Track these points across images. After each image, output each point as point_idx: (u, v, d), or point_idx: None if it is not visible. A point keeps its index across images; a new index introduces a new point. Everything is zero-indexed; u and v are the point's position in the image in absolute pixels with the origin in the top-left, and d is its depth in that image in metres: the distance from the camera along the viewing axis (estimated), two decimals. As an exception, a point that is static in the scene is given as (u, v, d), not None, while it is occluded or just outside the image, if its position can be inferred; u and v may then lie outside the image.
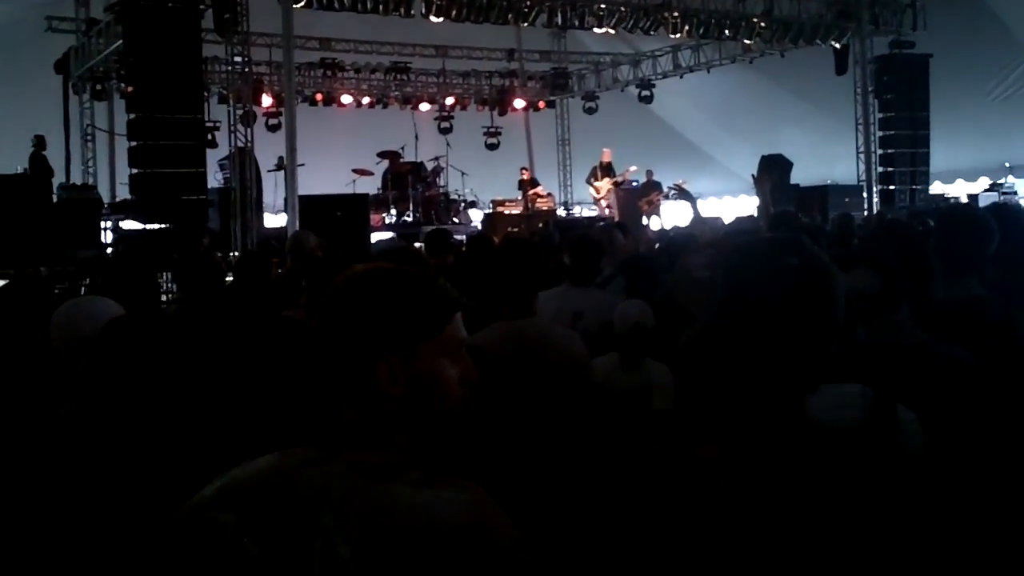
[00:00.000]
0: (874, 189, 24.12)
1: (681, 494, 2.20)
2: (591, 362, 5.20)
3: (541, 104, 32.79)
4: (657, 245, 10.09)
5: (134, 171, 16.46)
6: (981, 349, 3.90)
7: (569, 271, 6.58)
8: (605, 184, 26.94)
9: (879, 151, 24.32)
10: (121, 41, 17.79)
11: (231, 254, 17.47)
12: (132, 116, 16.50)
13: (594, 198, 27.79)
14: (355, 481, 2.05)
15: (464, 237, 21.73)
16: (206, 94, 19.55)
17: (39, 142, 20.07)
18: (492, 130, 31.89)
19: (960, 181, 28.77)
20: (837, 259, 6.15)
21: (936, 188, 26.67)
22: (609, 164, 27.54)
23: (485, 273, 5.06)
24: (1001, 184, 25.04)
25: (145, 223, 16.43)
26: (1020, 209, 7.62)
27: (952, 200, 24.44)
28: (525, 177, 27.30)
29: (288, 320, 5.53)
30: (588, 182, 27.78)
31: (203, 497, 2.15)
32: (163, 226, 16.13)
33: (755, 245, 2.33)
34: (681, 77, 28.93)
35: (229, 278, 7.28)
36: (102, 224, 18.27)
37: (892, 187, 24.21)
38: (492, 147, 31.52)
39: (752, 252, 2.28)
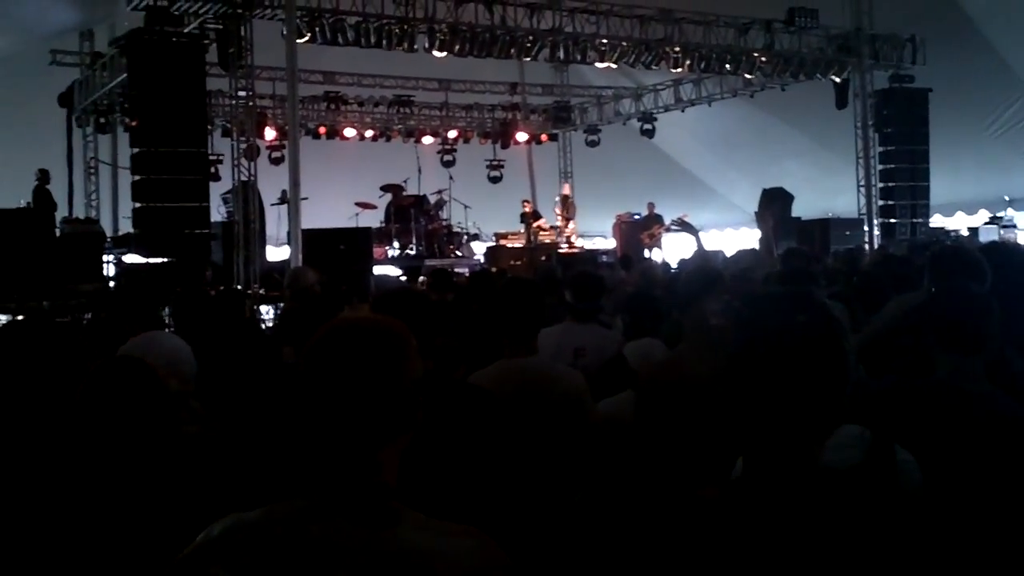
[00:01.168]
0: (875, 222, 24.09)
1: (683, 534, 2.20)
2: (592, 401, 5.19)
3: (543, 137, 32.84)
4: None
5: (137, 205, 16.47)
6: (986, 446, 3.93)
7: (571, 308, 6.59)
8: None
9: (879, 184, 24.31)
10: (125, 75, 17.90)
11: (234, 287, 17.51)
12: (136, 150, 16.53)
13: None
14: (361, 532, 2.08)
15: (467, 270, 21.84)
16: (209, 127, 19.60)
17: (43, 176, 20.14)
18: (495, 163, 31.90)
19: (960, 214, 28.80)
20: (840, 295, 6.18)
21: (936, 221, 26.73)
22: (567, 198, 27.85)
23: (487, 311, 5.08)
24: (1000, 217, 25.11)
25: (148, 257, 16.43)
26: (1012, 247, 7.67)
27: (953, 233, 24.49)
28: (527, 210, 27.33)
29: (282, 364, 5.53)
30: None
31: (197, 551, 2.14)
32: (166, 260, 16.14)
33: (767, 300, 2.37)
34: (683, 110, 28.95)
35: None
36: (105, 258, 18.28)
37: (893, 220, 24.17)
38: (495, 180, 31.54)
39: (764, 307, 2.32)
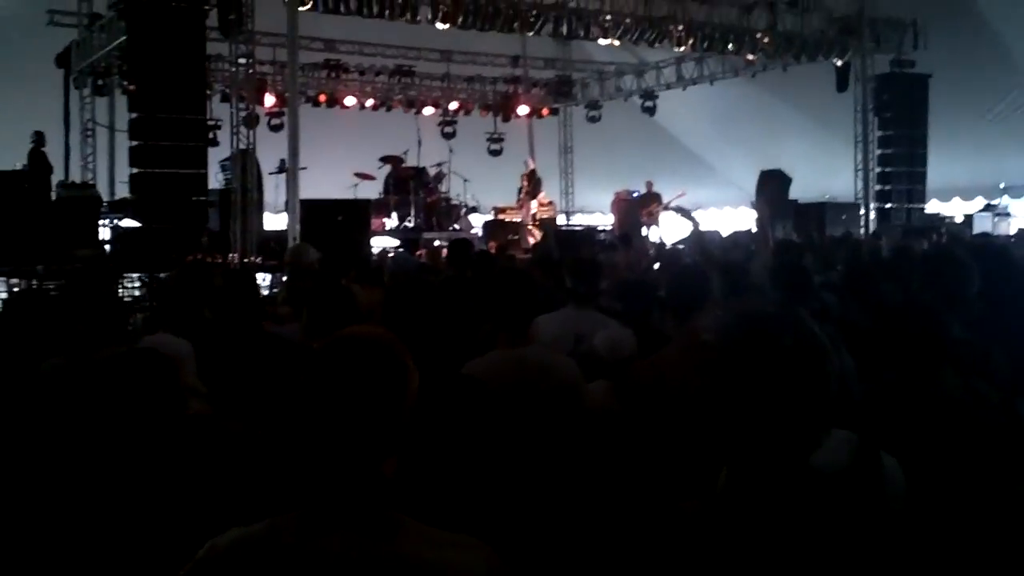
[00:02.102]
0: (871, 206, 24.12)
1: (666, 542, 2.21)
2: (587, 388, 5.20)
3: (545, 111, 32.74)
4: (657, 264, 10.08)
5: (135, 170, 16.42)
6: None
7: (571, 293, 6.57)
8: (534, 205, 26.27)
9: (877, 168, 24.38)
10: (124, 37, 17.77)
11: (230, 256, 17.49)
12: (134, 115, 16.46)
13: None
14: (363, 544, 2.11)
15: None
16: (208, 93, 19.52)
17: (38, 138, 20.00)
18: (495, 136, 31.84)
19: (957, 199, 28.95)
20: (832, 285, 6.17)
21: (933, 206, 26.81)
22: (533, 173, 27.25)
23: (483, 301, 5.07)
24: (995, 205, 25.23)
25: (145, 223, 16.41)
26: (1000, 249, 7.69)
27: (948, 220, 24.55)
28: (530, 167, 27.15)
29: (276, 340, 5.50)
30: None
31: (201, 565, 2.17)
32: (163, 226, 16.11)
33: (753, 320, 2.35)
34: (684, 88, 28.95)
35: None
36: (101, 222, 18.24)
37: (889, 205, 24.26)
38: (495, 153, 31.47)
39: (751, 328, 2.32)
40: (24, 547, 2.98)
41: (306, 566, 2.09)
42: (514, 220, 25.44)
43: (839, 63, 24.33)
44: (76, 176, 22.05)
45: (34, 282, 14.12)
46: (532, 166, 27.22)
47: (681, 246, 11.12)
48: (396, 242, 21.72)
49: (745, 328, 2.34)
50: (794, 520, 2.15)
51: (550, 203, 27.31)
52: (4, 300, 8.44)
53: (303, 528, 2.14)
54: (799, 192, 24.83)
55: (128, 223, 17.40)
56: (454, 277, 8.31)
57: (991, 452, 3.72)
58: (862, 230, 22.43)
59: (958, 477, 3.61)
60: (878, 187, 24.38)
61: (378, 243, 20.60)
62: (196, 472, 3.31)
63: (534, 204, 25.69)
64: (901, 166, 24.21)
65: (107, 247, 18.01)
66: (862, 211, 24.00)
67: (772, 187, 24.13)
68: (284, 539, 2.14)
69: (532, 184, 26.45)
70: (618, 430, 4.80)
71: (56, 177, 19.72)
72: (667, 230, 25.02)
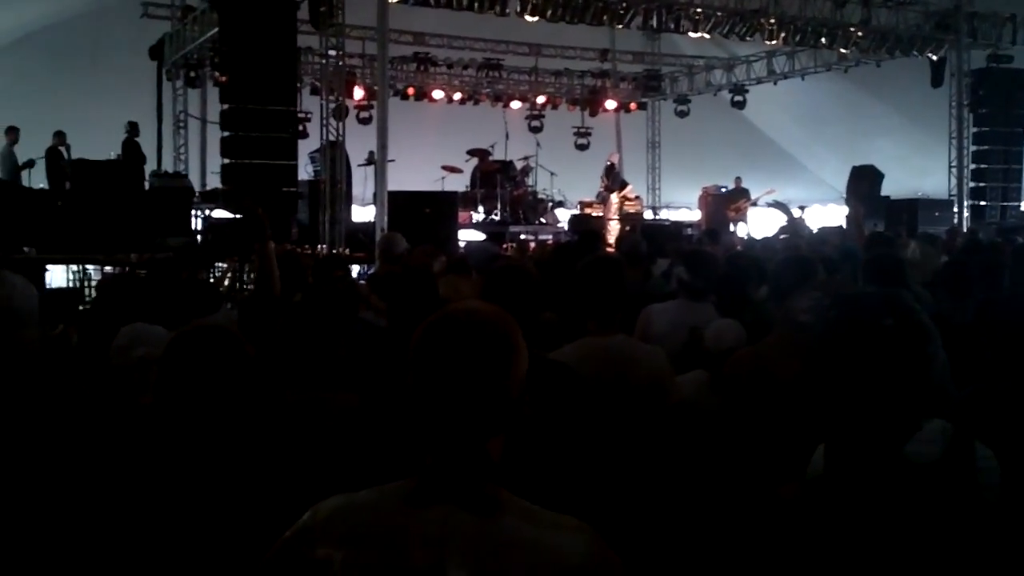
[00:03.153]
0: (965, 204, 23.68)
1: (762, 530, 2.25)
2: (676, 380, 5.18)
3: (632, 105, 32.57)
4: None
5: (226, 161, 16.63)
6: None
7: (685, 285, 6.51)
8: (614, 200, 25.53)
9: (971, 166, 23.92)
10: (216, 29, 18.01)
11: (319, 246, 17.63)
12: (225, 106, 16.66)
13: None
14: (469, 519, 2.10)
15: (551, 237, 21.79)
16: (299, 85, 19.69)
17: (132, 128, 20.36)
18: (582, 130, 31.65)
19: (1052, 199, 28.33)
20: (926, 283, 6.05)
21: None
22: (611, 167, 26.56)
23: (572, 289, 5.06)
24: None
25: (235, 213, 16.60)
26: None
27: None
28: (613, 161, 26.92)
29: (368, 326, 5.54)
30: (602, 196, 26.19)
31: (304, 530, 2.20)
32: (240, 218, 16.26)
33: (854, 301, 2.35)
34: (775, 83, 28.69)
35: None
36: (193, 212, 18.50)
37: (983, 203, 23.81)
38: (582, 147, 31.33)
39: (852, 308, 2.30)
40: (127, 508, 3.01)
41: (406, 536, 2.10)
42: (600, 215, 25.27)
43: (934, 58, 23.89)
44: (168, 167, 22.41)
45: (127, 268, 14.33)
46: (612, 160, 26.96)
47: (772, 241, 10.97)
48: (482, 235, 21.74)
49: (845, 308, 2.33)
50: (888, 508, 2.14)
51: (637, 198, 27.11)
52: (98, 284, 8.57)
53: (407, 499, 2.15)
54: (890, 190, 24.53)
55: (219, 213, 17.61)
56: (553, 264, 8.32)
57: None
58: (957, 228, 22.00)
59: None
60: (972, 185, 23.91)
61: (465, 236, 20.62)
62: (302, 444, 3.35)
63: (614, 198, 25.47)
64: (996, 163, 23.76)
65: (198, 237, 18.25)
66: (955, 208, 23.51)
67: (863, 183, 23.88)
68: (386, 508, 2.15)
69: (611, 179, 26.23)
70: (711, 421, 4.76)
71: (149, 167, 20.04)
72: (755, 227, 24.80)
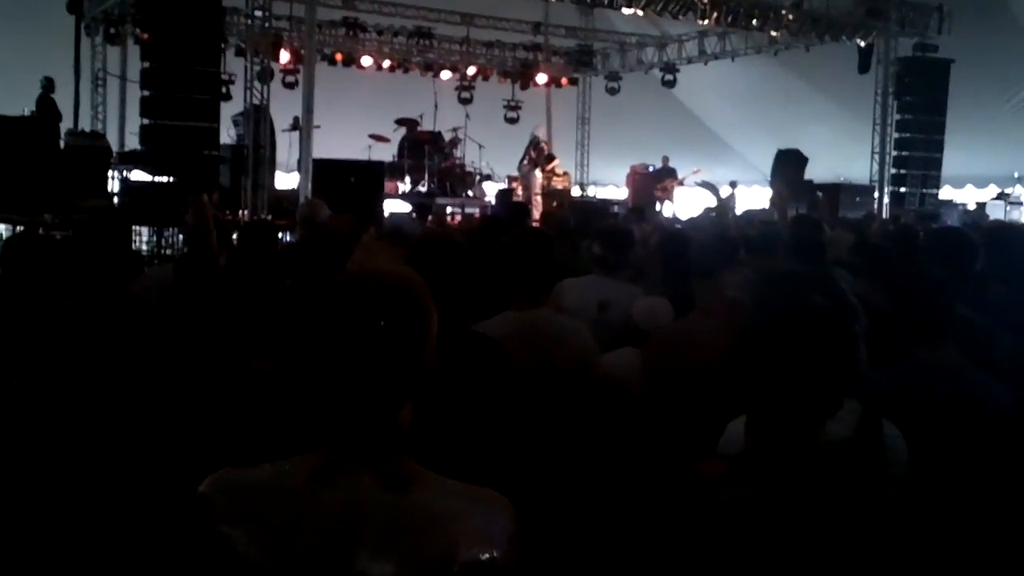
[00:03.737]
0: (885, 190, 24.01)
1: (684, 508, 2.21)
2: (600, 356, 5.21)
3: (564, 81, 32.53)
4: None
5: (146, 121, 16.28)
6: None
7: (599, 260, 6.51)
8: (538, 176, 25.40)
9: (894, 152, 24.24)
10: (139, -16, 17.65)
11: (240, 212, 17.37)
12: (146, 64, 16.31)
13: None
14: (379, 491, 2.03)
15: (477, 211, 21.71)
16: (223, 46, 19.35)
17: (48, 84, 19.84)
18: (512, 103, 31.64)
19: (970, 187, 29.12)
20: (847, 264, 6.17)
21: (946, 193, 26.78)
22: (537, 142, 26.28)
23: (498, 261, 5.01)
24: (1008, 194, 25.40)
25: (154, 175, 16.29)
26: (1015, 233, 7.66)
27: (960, 206, 24.55)
28: (539, 135, 26.82)
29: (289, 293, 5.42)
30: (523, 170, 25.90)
31: (202, 503, 2.09)
32: (172, 179, 15.98)
33: (783, 278, 2.39)
34: (706, 64, 28.76)
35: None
36: (110, 173, 18.09)
37: (903, 189, 24.14)
38: (511, 121, 31.26)
39: (779, 285, 2.35)
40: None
41: (312, 514, 2.02)
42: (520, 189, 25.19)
43: (863, 44, 24.13)
44: (86, 125, 21.89)
45: (40, 230, 13.97)
46: (538, 134, 26.83)
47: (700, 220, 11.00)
48: (409, 206, 21.60)
49: (774, 285, 2.37)
50: (809, 485, 2.18)
51: (565, 174, 27.10)
52: (4, 242, 8.30)
53: (312, 474, 2.06)
54: (816, 174, 24.84)
55: (138, 175, 17.25)
56: (481, 237, 8.30)
57: (990, 432, 3.75)
58: (874, 212, 22.27)
59: (957, 454, 3.64)
60: (893, 171, 24.23)
61: (391, 206, 20.46)
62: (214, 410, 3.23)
63: (538, 173, 25.42)
64: (918, 151, 24.06)
65: (115, 199, 17.86)
66: (876, 194, 23.79)
67: (788, 167, 24.12)
68: (289, 484, 2.06)
69: (538, 154, 26.14)
70: (636, 398, 4.78)
71: (65, 126, 19.55)
72: (681, 206, 24.91)
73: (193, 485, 2.14)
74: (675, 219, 16.31)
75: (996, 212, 23.72)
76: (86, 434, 2.93)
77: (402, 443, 2.10)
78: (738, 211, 11.39)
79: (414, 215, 19.14)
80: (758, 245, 6.85)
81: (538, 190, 24.50)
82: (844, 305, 2.24)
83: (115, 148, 20.43)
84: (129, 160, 18.12)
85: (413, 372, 2.12)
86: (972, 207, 24.75)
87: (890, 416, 3.31)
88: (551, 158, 26.28)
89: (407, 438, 2.12)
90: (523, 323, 4.76)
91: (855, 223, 14.11)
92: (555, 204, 21.84)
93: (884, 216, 21.61)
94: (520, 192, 24.18)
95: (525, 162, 25.82)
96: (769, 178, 24.27)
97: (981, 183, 28.37)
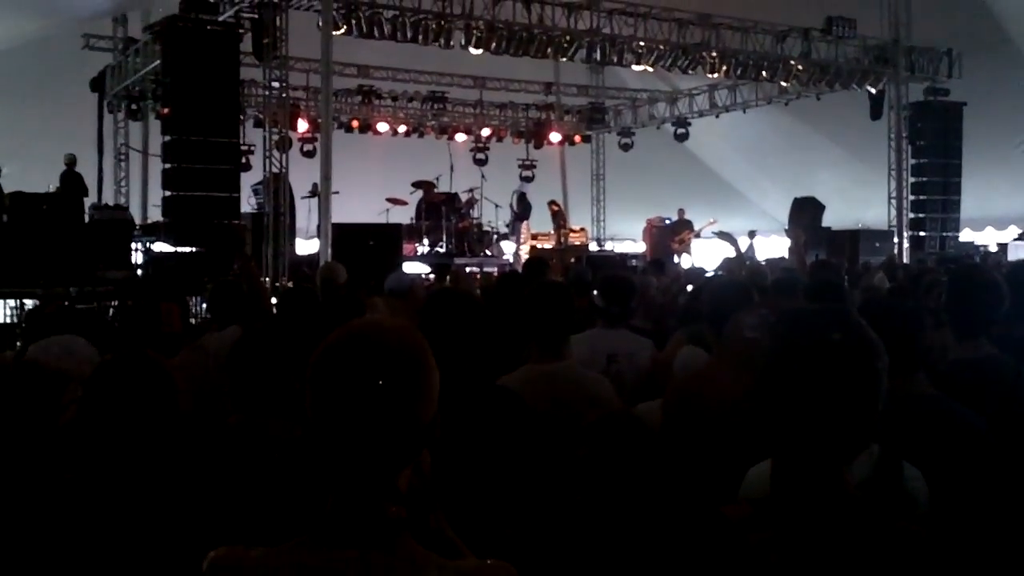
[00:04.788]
0: (905, 235, 23.95)
1: (712, 553, 2.18)
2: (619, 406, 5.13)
3: (577, 138, 32.73)
4: (690, 286, 9.96)
5: (167, 193, 16.52)
6: (992, 407, 3.96)
7: (602, 312, 6.44)
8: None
9: (911, 197, 24.23)
10: (158, 61, 17.97)
11: (263, 279, 17.49)
12: (167, 138, 16.58)
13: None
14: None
15: (495, 270, 21.80)
16: (242, 117, 19.60)
17: (71, 160, 20.14)
18: (527, 163, 31.75)
19: (990, 229, 28.80)
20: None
21: (966, 235, 26.62)
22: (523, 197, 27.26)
23: (517, 314, 5.01)
24: (1029, 234, 25.01)
25: (177, 246, 16.46)
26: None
27: (982, 248, 24.34)
28: (555, 209, 27.37)
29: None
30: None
31: None
32: (195, 249, 16.14)
33: (802, 316, 2.31)
34: (717, 116, 28.96)
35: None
36: (133, 245, 18.29)
37: (923, 233, 24.13)
38: (527, 179, 31.40)
39: (799, 323, 2.27)
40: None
41: None
42: (546, 247, 25.41)
43: (873, 91, 24.17)
44: (109, 199, 22.19)
45: (65, 302, 14.12)
46: (523, 191, 27.30)
47: (720, 271, 11.02)
48: (427, 268, 21.71)
49: (792, 322, 2.29)
50: (836, 528, 2.11)
51: (582, 230, 27.27)
52: (28, 313, 8.45)
53: (308, 557, 1.97)
54: (832, 222, 24.77)
55: (160, 246, 17.44)
56: (494, 292, 8.26)
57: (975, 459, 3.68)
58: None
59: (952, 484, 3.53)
60: (911, 215, 24.20)
61: (410, 268, 20.56)
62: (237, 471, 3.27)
63: (523, 227, 25.83)
64: (935, 195, 24.10)
65: (139, 270, 18.04)
66: (895, 239, 23.75)
67: (806, 214, 24.09)
68: (283, 565, 1.96)
69: (521, 208, 26.58)
70: (660, 448, 4.74)
71: (89, 200, 19.83)
72: (699, 258, 24.94)
73: (206, 547, 2.09)
74: (696, 271, 16.32)
75: (1018, 252, 23.42)
76: (109, 501, 2.98)
77: (401, 515, 1.98)
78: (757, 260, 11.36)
79: (432, 275, 19.24)
80: (777, 290, 6.84)
81: (523, 243, 24.90)
82: (865, 340, 2.19)
83: (138, 220, 20.71)
84: (152, 232, 18.36)
85: (408, 432, 1.97)
86: (993, 249, 24.57)
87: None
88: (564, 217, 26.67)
89: (404, 504, 1.99)
90: (544, 375, 4.72)
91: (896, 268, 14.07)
92: (572, 260, 21.92)
93: (905, 260, 21.57)
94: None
95: (511, 217, 26.23)
96: (786, 226, 24.30)
97: (1001, 225, 28.14)
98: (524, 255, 23.47)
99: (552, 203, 28.03)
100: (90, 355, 5.07)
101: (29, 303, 14.77)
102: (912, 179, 24.26)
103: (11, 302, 15.49)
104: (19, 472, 3.29)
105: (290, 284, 17.18)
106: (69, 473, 3.08)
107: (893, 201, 24.25)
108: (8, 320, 15.17)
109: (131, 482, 2.99)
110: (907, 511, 2.99)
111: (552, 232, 27.21)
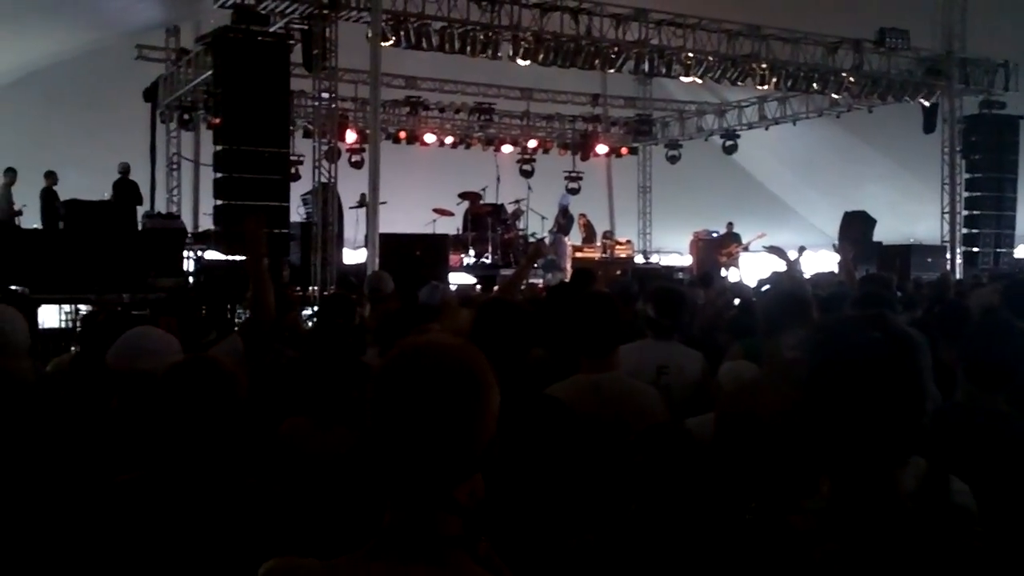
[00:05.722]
0: (958, 250, 23.72)
1: (775, 562, 2.19)
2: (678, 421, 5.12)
3: (624, 150, 32.66)
4: (737, 300, 9.92)
5: (218, 202, 16.66)
6: (990, 468, 3.79)
7: (653, 323, 6.41)
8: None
9: (964, 212, 23.98)
10: (210, 72, 18.13)
11: (310, 288, 17.61)
12: (219, 148, 16.75)
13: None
14: None
15: (541, 281, 21.78)
16: (291, 128, 19.74)
17: (125, 169, 20.37)
18: (573, 174, 31.76)
19: (1047, 245, 28.38)
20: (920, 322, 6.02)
21: (1021, 251, 26.26)
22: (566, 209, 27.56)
23: (565, 325, 5.00)
24: (1085, 250, 24.75)
25: (227, 254, 16.60)
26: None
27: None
28: (583, 222, 27.50)
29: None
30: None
31: None
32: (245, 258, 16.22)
33: (839, 323, 2.33)
34: (766, 128, 28.73)
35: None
36: (185, 253, 18.48)
37: (976, 249, 23.86)
38: (573, 191, 31.40)
39: (838, 328, 2.29)
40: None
41: None
42: (591, 258, 25.36)
43: (926, 104, 23.94)
44: (161, 208, 22.44)
45: (119, 308, 14.28)
46: (566, 203, 27.50)
47: (767, 285, 10.96)
48: (473, 278, 21.75)
49: (833, 328, 2.31)
50: (891, 538, 2.11)
51: (628, 242, 27.24)
52: (83, 318, 8.51)
53: (359, 568, 1.97)
54: (882, 237, 24.57)
55: (212, 255, 17.60)
56: (547, 302, 8.26)
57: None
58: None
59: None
60: (964, 231, 23.97)
61: (455, 279, 20.61)
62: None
63: (566, 239, 26.00)
64: (989, 210, 23.86)
65: (190, 278, 18.23)
66: (948, 255, 23.53)
67: (855, 229, 23.92)
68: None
69: (566, 220, 26.91)
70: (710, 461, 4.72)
71: (141, 208, 20.07)
72: (746, 271, 24.82)
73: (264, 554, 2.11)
74: (743, 285, 16.23)
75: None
76: (185, 499, 3.00)
77: (460, 527, 1.99)
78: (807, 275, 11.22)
79: (479, 286, 19.27)
80: (827, 304, 6.79)
81: (568, 255, 24.89)
82: (903, 336, 2.18)
83: (190, 229, 20.91)
84: (203, 240, 18.55)
85: (468, 448, 1.98)
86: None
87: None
88: (592, 231, 26.70)
89: (464, 517, 2.00)
90: (592, 385, 4.70)
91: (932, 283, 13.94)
92: (619, 272, 21.88)
93: (958, 276, 21.35)
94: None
95: (554, 228, 26.14)
96: (835, 241, 24.15)
97: (1058, 240, 27.89)
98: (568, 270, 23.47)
99: (581, 216, 28.08)
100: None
101: (83, 309, 14.96)
102: (966, 193, 24.01)
103: (66, 307, 15.70)
104: (83, 473, 3.31)
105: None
106: (129, 474, 3.11)
107: (946, 216, 24.03)
108: (64, 325, 15.36)
109: (197, 484, 3.02)
110: (962, 525, 2.95)
111: (597, 244, 27.17)
